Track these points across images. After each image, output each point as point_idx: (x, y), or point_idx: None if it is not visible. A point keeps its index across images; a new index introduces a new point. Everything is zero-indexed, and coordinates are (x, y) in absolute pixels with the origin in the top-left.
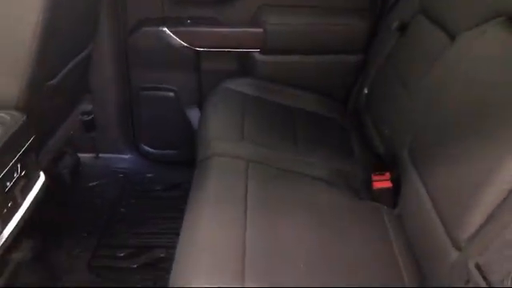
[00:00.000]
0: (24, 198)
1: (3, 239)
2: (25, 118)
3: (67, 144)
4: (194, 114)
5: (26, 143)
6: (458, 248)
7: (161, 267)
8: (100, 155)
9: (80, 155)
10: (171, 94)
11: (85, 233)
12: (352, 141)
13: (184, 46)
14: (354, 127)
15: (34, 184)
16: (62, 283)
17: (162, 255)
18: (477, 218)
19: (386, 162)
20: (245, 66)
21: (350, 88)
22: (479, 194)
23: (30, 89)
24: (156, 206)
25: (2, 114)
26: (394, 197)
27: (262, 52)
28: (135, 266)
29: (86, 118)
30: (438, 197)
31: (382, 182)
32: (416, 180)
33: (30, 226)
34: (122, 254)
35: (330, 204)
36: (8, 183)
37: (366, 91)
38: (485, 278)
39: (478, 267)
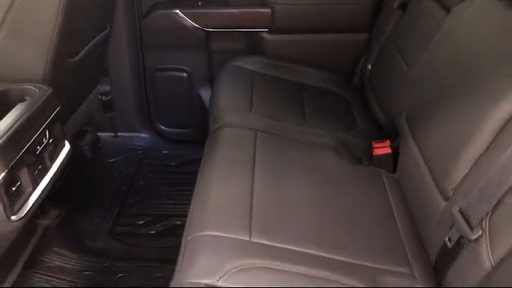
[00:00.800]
0: (52, 162)
1: (34, 198)
2: (51, 90)
3: (88, 123)
4: (205, 94)
5: (52, 113)
6: (446, 198)
7: (177, 233)
8: (118, 134)
9: (100, 134)
10: (184, 74)
11: (106, 203)
12: (356, 113)
13: (195, 26)
14: (358, 101)
15: (61, 151)
16: (86, 248)
17: (177, 223)
18: (461, 168)
19: (387, 131)
20: (253, 46)
21: (355, 64)
22: (463, 148)
23: (54, 65)
24: (171, 179)
25: (31, 87)
26: (393, 162)
27: (270, 31)
28: (153, 232)
29: (104, 98)
30: (429, 155)
31: (382, 149)
32: (412, 144)
33: (55, 196)
34: (141, 222)
35: (333, 168)
36: (38, 147)
37: (369, 67)
38: (466, 221)
39: (460, 212)
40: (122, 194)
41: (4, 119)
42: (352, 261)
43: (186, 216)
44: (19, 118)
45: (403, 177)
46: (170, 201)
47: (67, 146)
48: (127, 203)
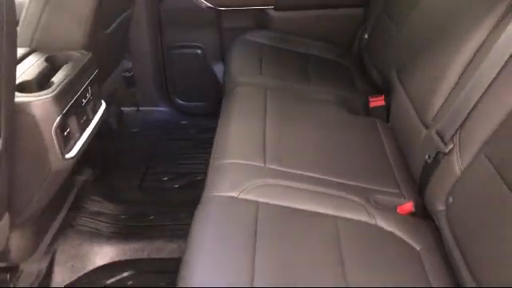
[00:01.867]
0: (93, 116)
1: (81, 143)
2: (90, 55)
3: (112, 99)
4: (218, 69)
5: (92, 74)
6: (426, 126)
7: (198, 186)
8: (140, 108)
9: (123, 109)
10: (198, 51)
11: (133, 164)
12: (355, 77)
13: (208, 6)
14: (357, 67)
15: (99, 108)
16: (119, 199)
17: (198, 178)
18: (438, 100)
19: (382, 89)
20: (261, 22)
21: (354, 36)
22: (439, 82)
23: (91, 34)
24: (189, 144)
25: (73, 52)
26: (387, 113)
27: (276, 8)
28: (177, 186)
29: (127, 74)
30: (413, 95)
31: (377, 102)
32: (401, 91)
33: (89, 157)
34: (165, 179)
35: (333, 117)
36: (83, 100)
37: (366, 37)
38: (441, 138)
39: (437, 133)
40: (147, 157)
41: (56, 75)
42: (348, 182)
43: (204, 173)
44: (68, 75)
45: (394, 121)
46: (189, 161)
47: (104, 105)
48: (152, 164)
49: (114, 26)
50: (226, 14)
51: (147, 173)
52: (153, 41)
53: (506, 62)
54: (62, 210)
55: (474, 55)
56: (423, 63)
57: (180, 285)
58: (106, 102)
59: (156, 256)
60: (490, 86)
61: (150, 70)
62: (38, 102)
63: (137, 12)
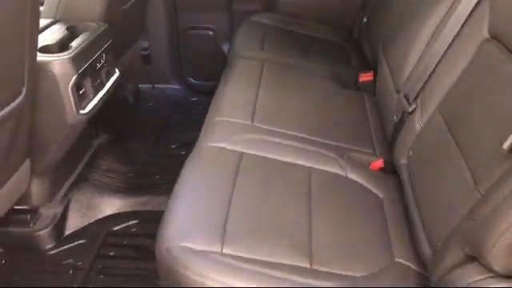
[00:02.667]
0: (107, 81)
1: (94, 103)
2: (106, 26)
3: (130, 76)
4: (228, 50)
5: (106, 43)
6: (398, 91)
7: None
8: (155, 85)
9: (140, 86)
10: (210, 32)
11: (145, 132)
12: (352, 58)
13: None
14: (355, 49)
15: (112, 75)
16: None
17: None
18: (408, 67)
19: (372, 67)
20: (267, 5)
21: (354, 20)
22: (410, 53)
23: (108, 8)
24: (199, 117)
25: (91, 23)
26: (374, 87)
27: None
28: (183, 153)
29: (144, 53)
30: (391, 63)
31: (365, 77)
32: (384, 64)
33: (105, 123)
34: (173, 146)
35: (325, 90)
36: (98, 64)
37: (364, 20)
38: (407, 100)
39: (404, 96)
40: (158, 127)
41: (74, 41)
42: (327, 141)
43: None
44: (84, 41)
45: (377, 93)
46: (196, 132)
47: (117, 73)
48: (162, 133)
49: (130, 3)
50: None
51: (157, 141)
52: (168, 23)
53: (458, 33)
54: (78, 166)
55: (436, 28)
56: (400, 36)
57: (164, 214)
58: (124, 79)
59: (158, 209)
60: (445, 53)
61: (165, 50)
62: (56, 61)
63: None
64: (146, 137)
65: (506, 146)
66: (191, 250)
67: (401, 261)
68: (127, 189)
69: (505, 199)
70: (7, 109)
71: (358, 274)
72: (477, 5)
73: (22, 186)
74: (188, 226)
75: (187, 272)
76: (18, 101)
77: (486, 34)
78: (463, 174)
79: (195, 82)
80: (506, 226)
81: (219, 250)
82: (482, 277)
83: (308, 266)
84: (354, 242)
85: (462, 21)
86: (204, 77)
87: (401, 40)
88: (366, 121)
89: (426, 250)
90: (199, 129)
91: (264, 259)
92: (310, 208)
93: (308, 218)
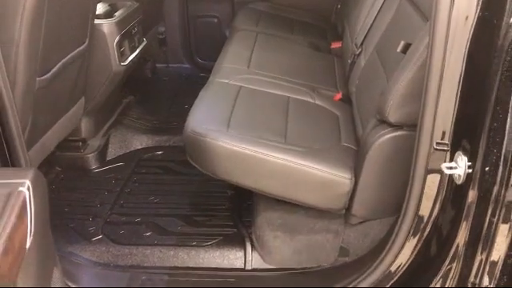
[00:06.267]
0: (139, 45)
1: (130, 59)
2: (138, 4)
3: (149, 56)
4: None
5: (138, 17)
6: (352, 42)
7: None
8: (169, 65)
9: (157, 65)
10: (215, 20)
11: (163, 96)
12: (328, 34)
13: None
14: (332, 29)
15: (141, 43)
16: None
17: None
18: (359, 23)
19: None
20: None
21: (331, 7)
22: (360, 13)
23: None
24: None
25: (127, 1)
26: (342, 53)
27: None
28: None
29: (160, 36)
30: (350, 25)
31: (336, 44)
32: (346, 28)
33: (132, 88)
34: (186, 106)
35: (302, 52)
36: (133, 31)
37: (339, 6)
38: (356, 47)
39: (355, 44)
40: (173, 94)
41: (117, 12)
42: (302, 81)
43: None
44: (123, 13)
45: (343, 51)
46: None
47: (145, 41)
48: (176, 99)
49: None
50: None
51: (173, 102)
52: (181, 12)
53: None
54: (114, 114)
55: None
56: (352, 6)
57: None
58: (144, 59)
59: (176, 145)
60: (379, 11)
61: (178, 35)
62: (106, 24)
63: None
64: (164, 99)
65: (398, 49)
66: (207, 128)
67: (345, 144)
68: (152, 130)
69: (399, 73)
70: (76, 51)
71: (315, 147)
72: None
73: (77, 117)
74: (204, 117)
75: (206, 138)
76: (83, 47)
77: None
78: (383, 80)
79: (202, 61)
80: (398, 83)
81: (226, 130)
82: (386, 131)
83: (283, 141)
84: (315, 133)
85: None
86: (210, 57)
87: (356, 8)
88: (332, 70)
89: (360, 130)
90: None
91: (254, 139)
92: (287, 115)
93: (285, 119)
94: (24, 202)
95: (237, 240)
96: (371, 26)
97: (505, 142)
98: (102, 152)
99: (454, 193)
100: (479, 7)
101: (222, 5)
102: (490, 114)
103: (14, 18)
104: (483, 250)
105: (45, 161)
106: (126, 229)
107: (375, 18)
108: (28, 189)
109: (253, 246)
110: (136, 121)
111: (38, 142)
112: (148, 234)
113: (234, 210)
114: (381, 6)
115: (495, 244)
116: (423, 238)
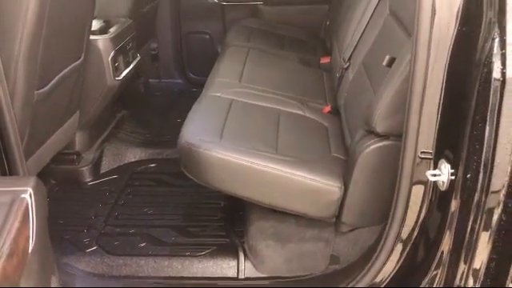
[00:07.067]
0: (133, 60)
1: (124, 74)
2: (131, 21)
3: (141, 72)
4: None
5: (132, 33)
6: (340, 57)
7: None
8: (162, 80)
9: (150, 80)
10: (207, 36)
11: (155, 111)
12: (317, 50)
13: (215, 2)
14: (320, 46)
15: (135, 58)
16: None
17: None
18: (347, 38)
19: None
20: (253, 13)
21: (320, 24)
22: (348, 29)
23: (133, 10)
24: None
25: (121, 19)
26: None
27: (264, 3)
28: None
29: (153, 52)
30: (338, 41)
31: (325, 59)
32: (335, 43)
33: (125, 103)
34: (179, 120)
35: (292, 67)
36: (127, 47)
37: (327, 23)
38: (344, 61)
39: (343, 59)
40: (166, 108)
41: (111, 28)
42: (292, 95)
43: None
44: (118, 29)
45: (331, 66)
46: None
47: (139, 57)
48: (169, 114)
49: (147, 7)
50: (228, 7)
51: (165, 116)
52: (173, 28)
53: (373, 11)
54: (108, 127)
55: (363, 11)
56: (340, 22)
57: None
58: (137, 74)
59: (170, 157)
60: (366, 26)
61: (170, 50)
62: (101, 39)
63: (162, 6)
64: (157, 113)
65: (384, 63)
66: (201, 139)
67: (335, 154)
68: (145, 144)
69: (385, 86)
70: (72, 66)
71: (305, 157)
72: None
73: (72, 130)
74: (198, 129)
75: (199, 149)
76: (79, 61)
77: (387, 11)
78: (370, 92)
79: (194, 76)
80: (384, 95)
81: (219, 140)
82: (373, 140)
83: (274, 152)
84: (305, 144)
85: (376, 3)
86: (202, 72)
87: (344, 24)
88: (322, 84)
89: (348, 141)
90: None
91: (246, 149)
92: (278, 127)
93: (276, 131)
94: (26, 208)
95: (230, 249)
96: (358, 41)
97: (484, 150)
98: (96, 165)
99: (438, 200)
100: (458, 22)
101: (213, 22)
102: (470, 123)
103: (14, 35)
104: (466, 257)
105: (39, 173)
106: (121, 240)
107: (362, 33)
108: (30, 196)
109: (245, 255)
110: (129, 134)
111: (35, 153)
112: (142, 244)
113: (227, 220)
114: (367, 23)
115: (477, 251)
116: (410, 244)
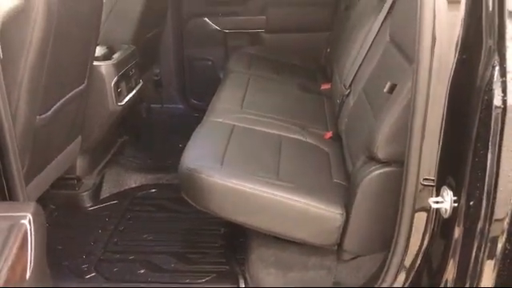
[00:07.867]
0: (136, 85)
1: (127, 99)
2: (134, 48)
3: (144, 97)
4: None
5: (135, 60)
6: (340, 83)
7: None
8: (164, 105)
9: (152, 105)
10: (209, 62)
11: (157, 137)
12: (318, 76)
13: (217, 29)
14: (321, 72)
15: (138, 84)
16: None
17: None
18: (347, 65)
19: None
20: (255, 41)
21: (321, 51)
22: (348, 57)
23: (136, 36)
24: None
25: (124, 45)
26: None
27: (266, 31)
28: None
29: (155, 78)
30: (339, 67)
31: (326, 85)
32: (335, 70)
33: (127, 128)
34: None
35: (293, 92)
36: (130, 73)
37: (328, 50)
38: (345, 88)
39: (344, 85)
40: (167, 134)
41: (114, 55)
42: (293, 120)
43: None
44: (121, 55)
45: (332, 92)
46: None
47: (141, 82)
48: (169, 139)
49: (150, 34)
50: (230, 35)
51: (167, 142)
52: (176, 54)
53: (374, 39)
54: (109, 153)
55: (364, 39)
56: (341, 49)
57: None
58: (140, 99)
59: (169, 183)
60: (366, 54)
61: (173, 76)
62: (104, 65)
63: (165, 32)
64: (158, 138)
65: (385, 90)
66: (201, 165)
67: (336, 180)
68: (146, 169)
69: (386, 113)
70: (75, 91)
71: (307, 183)
72: (384, 19)
73: (74, 155)
74: (199, 154)
75: (200, 175)
76: (82, 87)
77: (387, 38)
78: (371, 119)
79: (196, 102)
80: (385, 122)
81: (220, 166)
82: (375, 167)
83: (275, 178)
84: (306, 170)
85: (376, 31)
86: (204, 98)
87: (344, 51)
88: (323, 110)
89: (350, 167)
90: None
91: (247, 175)
92: (279, 153)
93: (278, 157)
94: (25, 234)
95: (230, 277)
96: (359, 68)
97: (487, 177)
98: (97, 190)
99: (441, 227)
100: (458, 50)
101: (216, 49)
102: (472, 150)
103: (18, 61)
104: (471, 285)
105: (39, 198)
106: (120, 266)
107: (363, 60)
108: (29, 222)
109: (246, 283)
110: (130, 160)
111: (36, 178)
112: (141, 271)
113: (228, 247)
114: (368, 50)
115: (482, 280)
116: (414, 272)
